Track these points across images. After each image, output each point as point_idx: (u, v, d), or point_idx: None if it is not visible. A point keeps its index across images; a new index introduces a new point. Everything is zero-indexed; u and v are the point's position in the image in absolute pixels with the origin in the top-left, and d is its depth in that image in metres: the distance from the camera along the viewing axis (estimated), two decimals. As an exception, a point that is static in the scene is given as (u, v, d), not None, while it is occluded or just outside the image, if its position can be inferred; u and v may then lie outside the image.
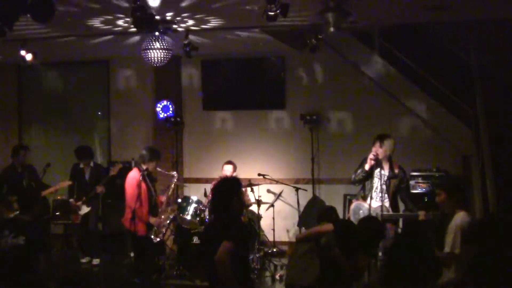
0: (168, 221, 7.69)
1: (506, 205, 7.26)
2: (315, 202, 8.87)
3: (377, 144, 6.69)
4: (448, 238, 4.90)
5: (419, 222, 6.11)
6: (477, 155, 7.79)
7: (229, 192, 4.39)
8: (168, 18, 6.61)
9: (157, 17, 6.36)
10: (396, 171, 6.71)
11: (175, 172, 7.95)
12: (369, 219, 5.46)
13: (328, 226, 5.18)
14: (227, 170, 8.44)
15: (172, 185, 7.78)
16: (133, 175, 7.30)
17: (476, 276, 2.96)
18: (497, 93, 8.45)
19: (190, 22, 6.85)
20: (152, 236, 7.33)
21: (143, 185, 7.26)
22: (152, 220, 7.33)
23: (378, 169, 6.62)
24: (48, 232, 8.85)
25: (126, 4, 5.71)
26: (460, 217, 4.95)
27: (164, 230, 7.54)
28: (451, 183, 5.73)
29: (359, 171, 6.72)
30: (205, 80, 9.73)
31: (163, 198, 7.70)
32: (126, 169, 9.00)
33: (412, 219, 6.35)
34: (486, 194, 7.45)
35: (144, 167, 7.34)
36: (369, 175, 6.64)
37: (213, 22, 6.95)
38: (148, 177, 7.42)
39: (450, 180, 6.53)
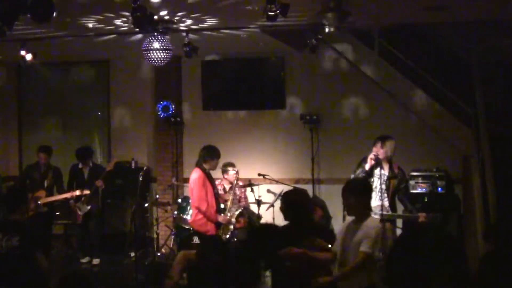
0: (234, 219, 7.66)
1: (506, 205, 7.25)
2: (315, 202, 8.86)
3: (378, 145, 6.70)
4: (368, 242, 4.65)
5: (419, 223, 6.09)
6: (477, 155, 7.78)
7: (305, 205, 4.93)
8: (168, 17, 6.60)
9: (157, 17, 6.35)
10: (396, 171, 6.72)
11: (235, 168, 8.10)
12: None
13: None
14: (232, 174, 8.31)
15: (234, 182, 7.92)
16: (197, 176, 7.22)
17: (491, 270, 2.97)
18: (497, 93, 8.45)
19: (190, 21, 6.85)
20: (222, 235, 7.32)
21: (209, 185, 7.24)
22: (221, 218, 7.31)
23: (378, 169, 6.63)
24: (51, 233, 8.84)
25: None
26: (373, 221, 4.86)
27: (232, 227, 7.50)
28: (360, 184, 5.27)
29: (358, 170, 6.72)
30: (205, 80, 9.72)
31: (228, 196, 7.79)
32: (124, 167, 9.00)
33: (412, 220, 6.35)
34: (486, 194, 7.44)
35: (206, 166, 7.30)
36: (369, 175, 6.64)
37: (213, 22, 6.95)
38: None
39: (358, 180, 6.11)
